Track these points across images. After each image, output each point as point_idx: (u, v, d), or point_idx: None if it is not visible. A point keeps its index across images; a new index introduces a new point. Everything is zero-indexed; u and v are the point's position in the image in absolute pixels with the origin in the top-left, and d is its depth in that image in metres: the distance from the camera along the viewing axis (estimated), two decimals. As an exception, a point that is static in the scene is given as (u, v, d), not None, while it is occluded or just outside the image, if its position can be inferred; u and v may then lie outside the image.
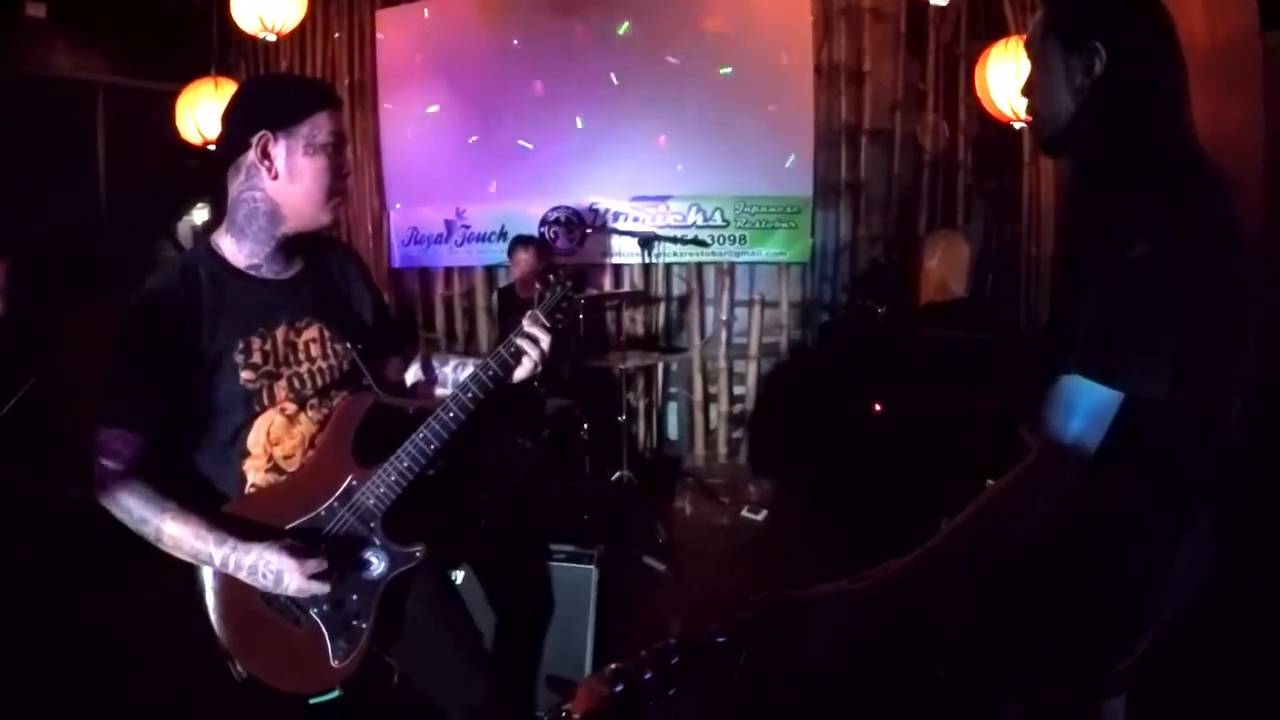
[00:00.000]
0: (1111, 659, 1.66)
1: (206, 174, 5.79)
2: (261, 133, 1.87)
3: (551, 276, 2.23)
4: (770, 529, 4.98)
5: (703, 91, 5.71)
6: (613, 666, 1.43)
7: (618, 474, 5.12)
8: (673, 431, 6.25)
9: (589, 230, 5.94)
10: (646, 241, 4.96)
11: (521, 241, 5.27)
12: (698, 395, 6.09)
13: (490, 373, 2.03)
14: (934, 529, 1.55)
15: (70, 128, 5.60)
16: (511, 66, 5.94)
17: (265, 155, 1.88)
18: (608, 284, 6.04)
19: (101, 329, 2.12)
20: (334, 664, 1.93)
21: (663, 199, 5.86)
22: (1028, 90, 1.72)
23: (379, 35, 6.17)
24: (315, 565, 1.82)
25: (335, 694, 1.97)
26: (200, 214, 6.34)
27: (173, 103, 5.25)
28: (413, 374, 2.34)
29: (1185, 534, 1.57)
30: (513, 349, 2.05)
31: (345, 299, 2.15)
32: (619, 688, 1.43)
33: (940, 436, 4.06)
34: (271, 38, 4.78)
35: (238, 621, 1.89)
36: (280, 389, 1.95)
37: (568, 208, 5.96)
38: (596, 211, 5.94)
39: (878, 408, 4.73)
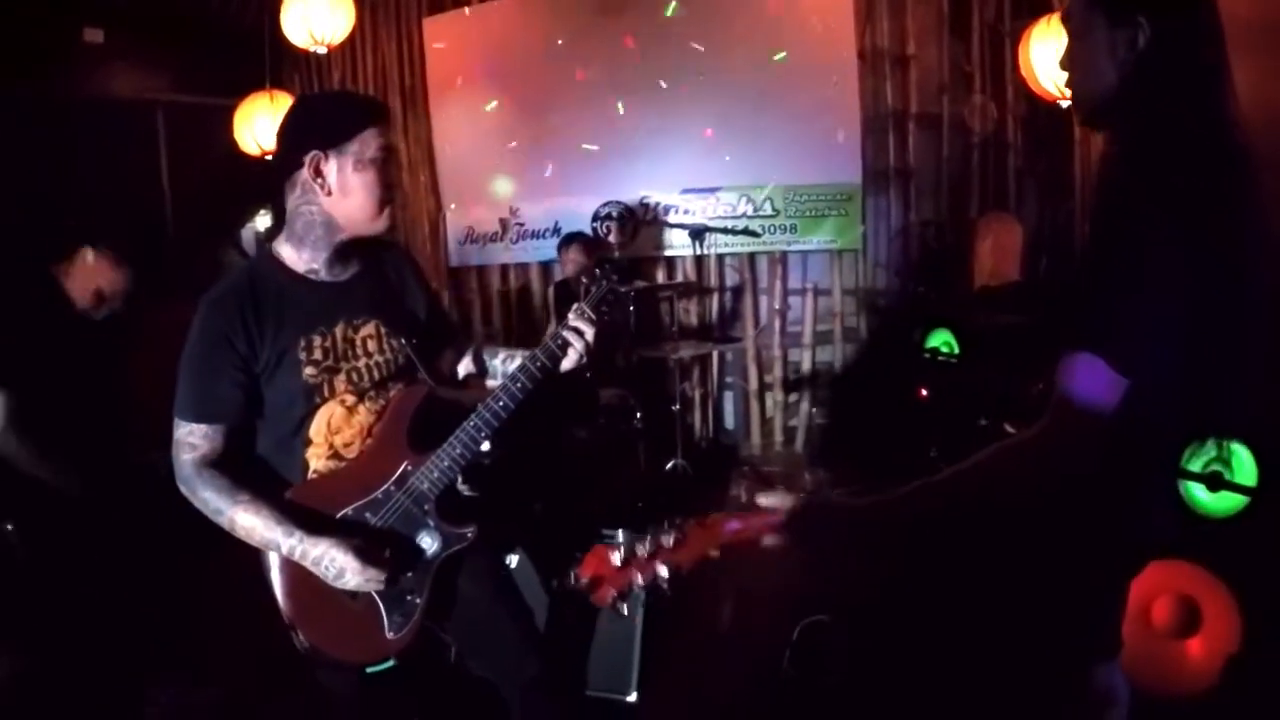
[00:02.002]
0: (1091, 624, 1.74)
1: (266, 183, 5.96)
2: (313, 152, 1.98)
3: (598, 270, 2.33)
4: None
5: (747, 82, 5.74)
6: (619, 538, 1.56)
7: (672, 463, 5.19)
8: (729, 421, 6.30)
9: (640, 224, 5.99)
10: (698, 233, 5.01)
11: (568, 241, 5.37)
12: (753, 384, 6.14)
13: (538, 364, 2.14)
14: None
15: (133, 146, 5.77)
16: (557, 65, 6.02)
17: (318, 173, 2.00)
18: (661, 276, 6.11)
19: (170, 332, 2.25)
20: (389, 636, 2.07)
21: (712, 190, 5.91)
22: (1067, 64, 1.71)
23: (428, 42, 6.27)
24: (376, 573, 1.96)
25: (390, 664, 2.11)
26: (263, 220, 6.50)
27: (230, 117, 5.42)
28: (464, 367, 2.46)
29: (1152, 500, 1.66)
30: (559, 341, 2.16)
31: (400, 297, 2.26)
32: (621, 557, 1.56)
33: (999, 421, 4.05)
34: (322, 50, 4.90)
35: (300, 595, 2.03)
36: (340, 382, 2.07)
37: (619, 202, 6.04)
38: (647, 205, 6.01)
39: (924, 393, 4.73)
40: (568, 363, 2.18)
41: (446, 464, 2.09)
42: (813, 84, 5.66)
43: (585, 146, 6.05)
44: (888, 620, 3.34)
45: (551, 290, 5.93)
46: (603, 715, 3.14)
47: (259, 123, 5.34)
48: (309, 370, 2.04)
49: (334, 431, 2.08)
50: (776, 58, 5.69)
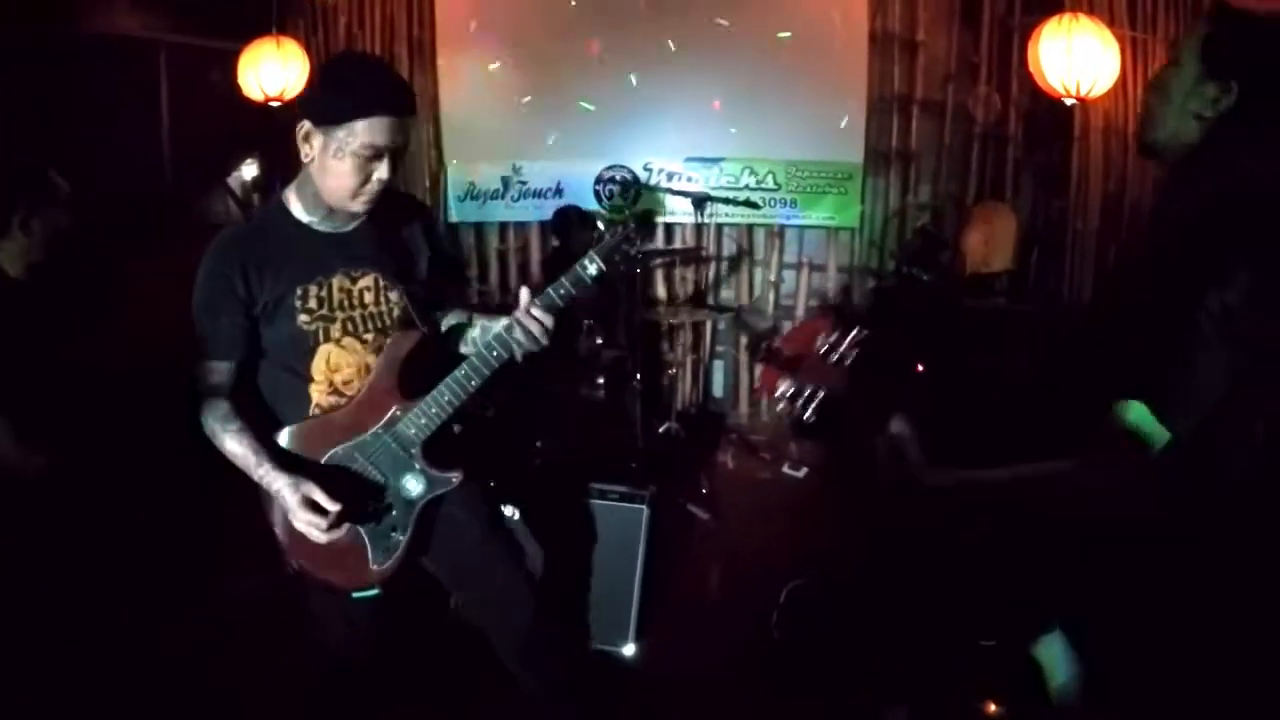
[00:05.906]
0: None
1: (264, 130, 5.91)
2: (304, 122, 2.06)
3: (620, 226, 2.35)
4: (809, 486, 5.19)
5: (757, 56, 5.80)
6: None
7: (666, 425, 5.34)
8: (718, 389, 6.41)
9: (643, 189, 6.04)
10: (699, 202, 5.07)
11: (563, 215, 5.40)
12: (743, 354, 6.25)
13: (494, 353, 2.19)
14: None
15: (134, 85, 5.65)
16: (569, 25, 5.98)
17: (306, 141, 2.07)
18: (660, 242, 6.18)
19: (171, 275, 2.32)
20: (373, 567, 2.23)
21: (716, 161, 5.98)
22: (1154, 86, 1.78)
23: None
24: (316, 521, 2.06)
25: (375, 592, 2.27)
26: (249, 169, 6.40)
27: (235, 60, 5.36)
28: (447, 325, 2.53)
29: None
30: (511, 330, 2.19)
31: (403, 250, 2.33)
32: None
33: (978, 401, 4.22)
34: (330, -3, 4.84)
35: (293, 525, 2.15)
36: (335, 330, 2.19)
37: (623, 166, 6.08)
38: (651, 171, 6.06)
39: (920, 367, 4.88)
40: (524, 348, 2.20)
41: (435, 410, 2.19)
42: (823, 63, 5.75)
43: (592, 109, 6.05)
44: (869, 584, 3.51)
45: (552, 251, 5.98)
46: (600, 667, 3.27)
47: (264, 68, 5.32)
48: (303, 318, 2.15)
49: (333, 370, 2.21)
50: (781, 35, 5.75)
